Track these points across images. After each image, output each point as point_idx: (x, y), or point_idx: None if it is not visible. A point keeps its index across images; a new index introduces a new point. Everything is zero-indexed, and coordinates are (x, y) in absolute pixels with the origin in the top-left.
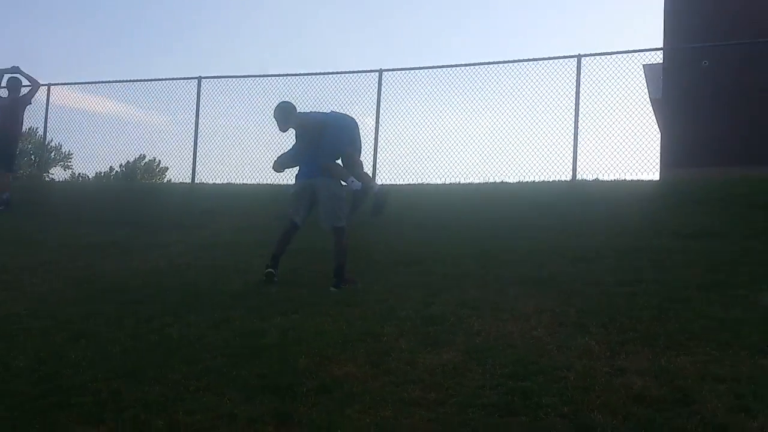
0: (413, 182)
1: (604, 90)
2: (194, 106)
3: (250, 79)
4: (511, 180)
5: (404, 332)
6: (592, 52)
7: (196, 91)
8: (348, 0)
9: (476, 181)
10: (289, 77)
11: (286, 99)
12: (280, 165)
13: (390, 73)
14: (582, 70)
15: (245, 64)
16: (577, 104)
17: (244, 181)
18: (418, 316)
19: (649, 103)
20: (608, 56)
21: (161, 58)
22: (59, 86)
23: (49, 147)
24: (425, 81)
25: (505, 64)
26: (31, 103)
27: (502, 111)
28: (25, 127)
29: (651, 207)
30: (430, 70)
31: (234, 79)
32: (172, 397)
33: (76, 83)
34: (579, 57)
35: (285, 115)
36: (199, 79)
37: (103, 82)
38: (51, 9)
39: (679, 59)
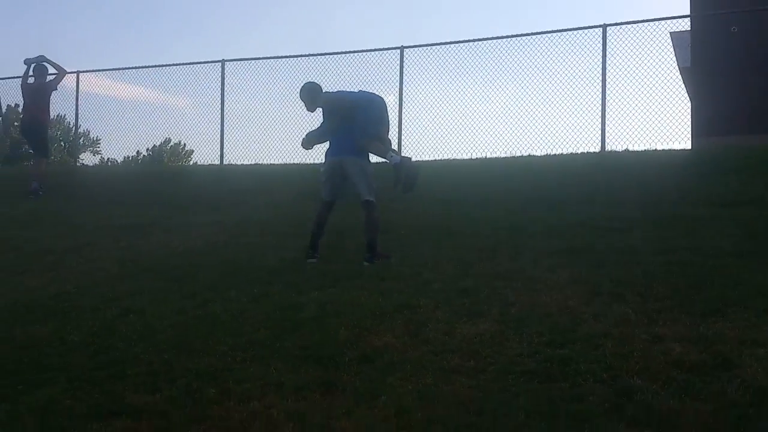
0: (439, 158)
1: (630, 60)
2: (219, 88)
3: (272, 60)
4: (539, 153)
5: (440, 304)
6: (618, 21)
7: (220, 74)
8: None
9: (502, 155)
10: (311, 57)
11: (310, 80)
12: (308, 142)
13: (412, 49)
14: (608, 40)
15: (268, 45)
16: (603, 75)
17: (272, 161)
18: (453, 288)
19: (678, 71)
20: (634, 25)
21: (185, 42)
22: (87, 73)
23: (78, 133)
24: (448, 56)
25: (530, 36)
26: (57, 89)
27: (527, 84)
28: (54, 113)
29: (683, 176)
30: (452, 45)
31: (257, 61)
32: (220, 368)
33: (103, 70)
34: (604, 26)
35: (312, 95)
36: (223, 62)
37: (129, 68)
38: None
39: (707, 26)
